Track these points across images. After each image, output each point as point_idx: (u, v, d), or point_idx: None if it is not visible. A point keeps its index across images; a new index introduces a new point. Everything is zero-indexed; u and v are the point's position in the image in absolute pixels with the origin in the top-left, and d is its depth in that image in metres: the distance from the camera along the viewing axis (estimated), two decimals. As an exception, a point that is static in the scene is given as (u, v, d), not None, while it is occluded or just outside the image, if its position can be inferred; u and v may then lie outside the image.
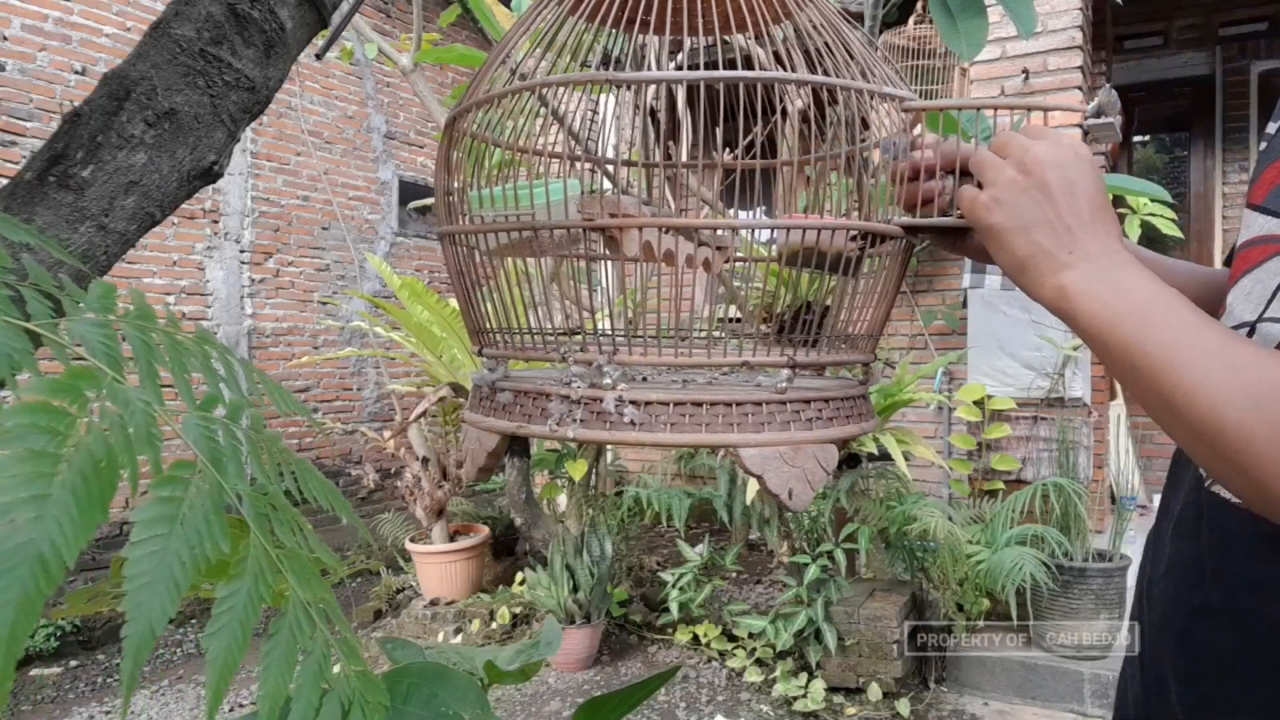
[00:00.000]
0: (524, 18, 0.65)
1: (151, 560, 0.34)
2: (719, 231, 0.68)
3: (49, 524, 0.31)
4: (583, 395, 0.56)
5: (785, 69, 0.59)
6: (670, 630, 3.78)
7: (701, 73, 0.54)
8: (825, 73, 0.59)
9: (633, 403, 0.55)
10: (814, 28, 0.61)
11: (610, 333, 0.67)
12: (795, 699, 3.18)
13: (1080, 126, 4.02)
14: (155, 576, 0.33)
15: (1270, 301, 0.55)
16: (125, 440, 0.35)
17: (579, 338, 0.67)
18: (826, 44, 0.60)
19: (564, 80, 0.58)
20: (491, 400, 0.62)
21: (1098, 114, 4.09)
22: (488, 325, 0.65)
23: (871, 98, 0.59)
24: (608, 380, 0.55)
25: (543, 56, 0.64)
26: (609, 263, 0.69)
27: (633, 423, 0.54)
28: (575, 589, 3.57)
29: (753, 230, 0.88)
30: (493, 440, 0.62)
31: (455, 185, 0.66)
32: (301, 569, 0.41)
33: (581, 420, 0.55)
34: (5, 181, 0.70)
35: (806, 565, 3.35)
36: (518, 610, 3.95)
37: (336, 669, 0.45)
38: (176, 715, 3.30)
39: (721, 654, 3.61)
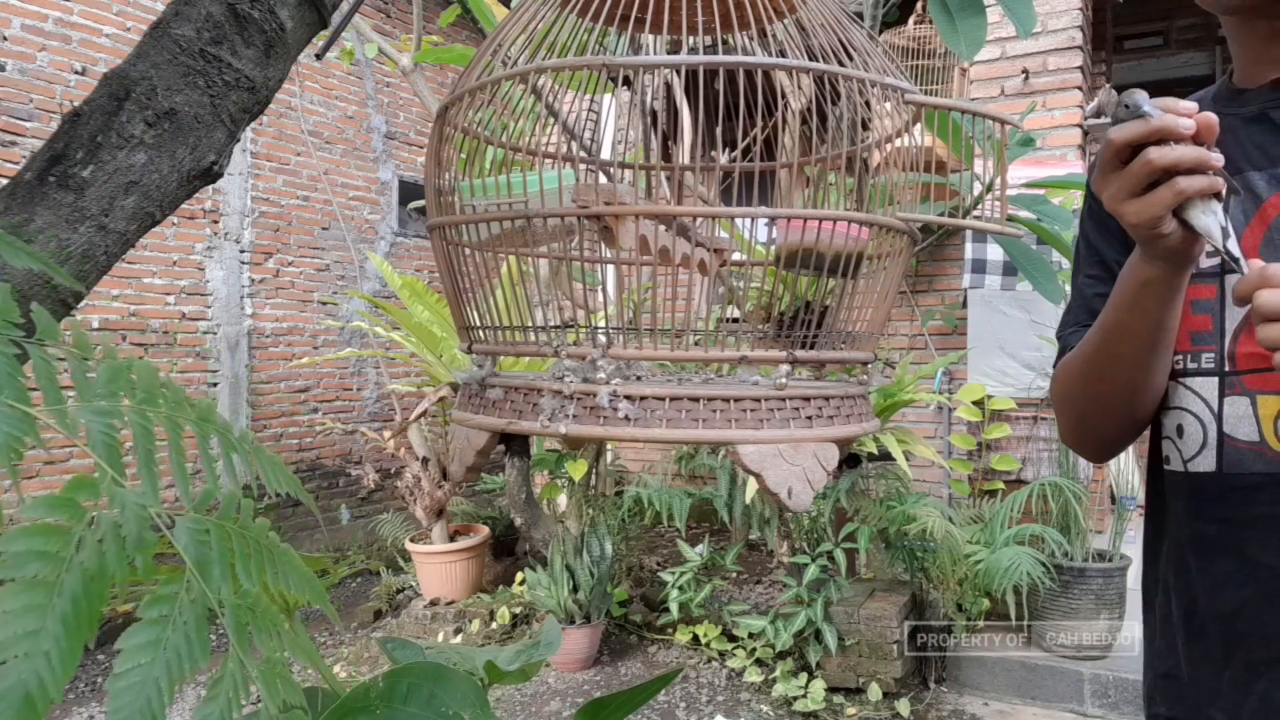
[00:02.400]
0: (516, 10, 0.64)
1: (131, 692, 0.34)
2: (717, 232, 0.68)
3: (38, 661, 0.31)
4: (575, 390, 0.54)
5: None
6: (670, 630, 3.78)
7: (699, 57, 0.54)
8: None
9: (627, 397, 0.53)
10: (815, 27, 0.61)
11: (605, 327, 0.66)
12: (795, 699, 3.18)
13: (1080, 126, 4.03)
14: (133, 709, 0.33)
15: None
16: (119, 549, 0.35)
17: (572, 332, 0.66)
18: (828, 42, 0.60)
19: (557, 65, 0.57)
20: (480, 397, 0.61)
21: (1097, 114, 4.09)
22: (478, 321, 0.64)
23: (872, 87, 0.59)
24: (601, 375, 0.54)
25: (534, 54, 0.64)
26: (608, 265, 0.68)
27: (627, 418, 0.53)
28: (575, 589, 3.56)
29: (751, 230, 0.88)
30: (481, 438, 0.60)
31: (447, 177, 0.65)
32: (274, 681, 0.41)
33: (574, 416, 0.54)
34: (5, 181, 0.70)
35: (806, 565, 3.35)
36: (518, 610, 3.94)
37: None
38: (176, 715, 3.30)
39: (721, 654, 3.60)
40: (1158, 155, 0.61)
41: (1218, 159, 0.61)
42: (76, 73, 4.19)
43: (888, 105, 0.63)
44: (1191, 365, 0.80)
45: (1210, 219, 0.62)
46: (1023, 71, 4.06)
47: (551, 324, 0.64)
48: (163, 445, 0.43)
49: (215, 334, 4.83)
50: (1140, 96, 0.62)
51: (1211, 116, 0.62)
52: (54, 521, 0.35)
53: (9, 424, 0.35)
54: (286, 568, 0.47)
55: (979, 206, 2.00)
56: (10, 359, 0.38)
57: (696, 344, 0.75)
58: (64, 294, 0.70)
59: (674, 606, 3.58)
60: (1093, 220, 0.91)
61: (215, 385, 4.81)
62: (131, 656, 0.35)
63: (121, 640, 0.35)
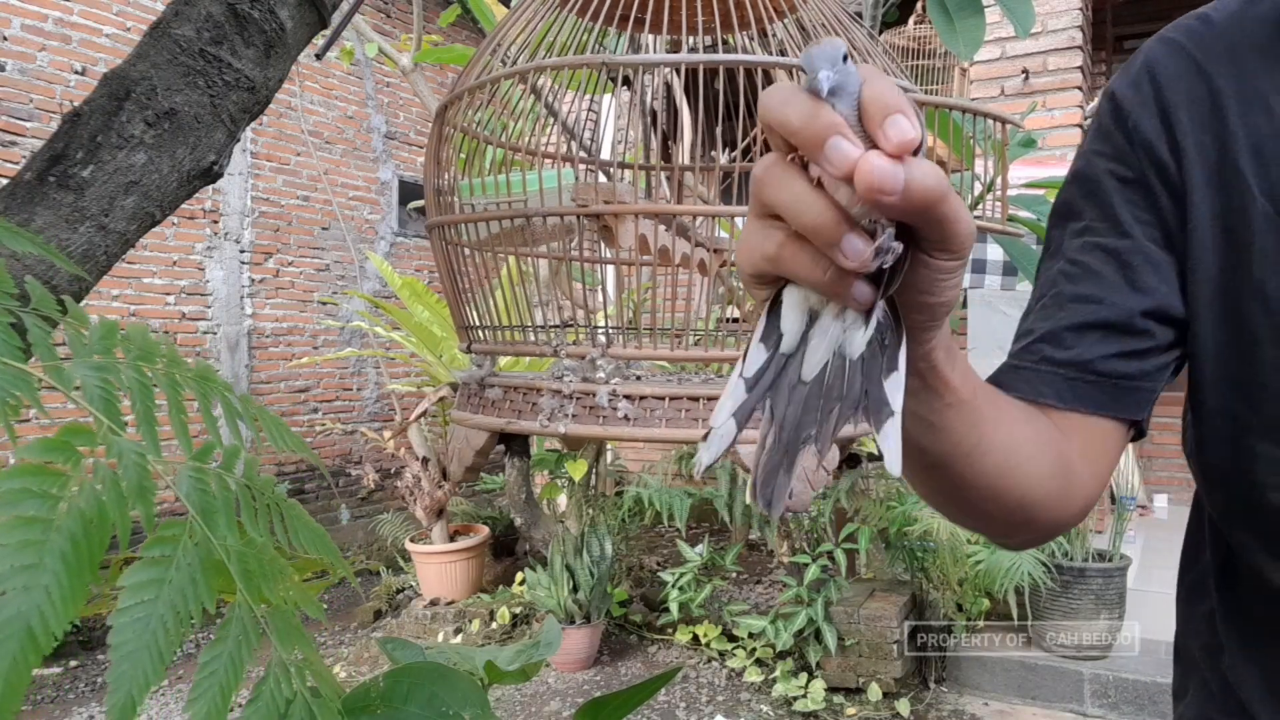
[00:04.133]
0: (516, 9, 0.64)
1: (136, 628, 0.34)
2: (717, 232, 0.68)
3: (38, 595, 0.31)
4: (575, 390, 0.54)
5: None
6: (670, 630, 3.78)
7: (698, 55, 0.54)
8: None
9: (627, 397, 0.53)
10: (815, 27, 0.61)
11: (604, 326, 0.66)
12: (795, 699, 3.18)
13: (1080, 126, 4.02)
14: (139, 644, 0.33)
15: None
16: (118, 495, 0.35)
17: (572, 332, 0.66)
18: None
19: (557, 64, 0.57)
20: (480, 397, 0.61)
21: (1097, 114, 4.08)
22: (477, 320, 0.64)
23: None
24: (601, 374, 0.54)
25: (534, 54, 0.63)
26: (608, 265, 0.68)
27: (627, 417, 0.53)
28: (575, 589, 3.56)
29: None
30: (481, 438, 0.60)
31: (446, 176, 0.65)
32: (286, 627, 0.40)
33: (573, 415, 0.54)
34: (5, 181, 0.70)
35: (806, 565, 3.35)
36: (518, 610, 3.94)
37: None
38: (176, 715, 3.30)
39: (721, 654, 3.60)
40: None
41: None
42: (76, 73, 4.19)
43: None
44: None
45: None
46: (1023, 71, 4.06)
47: (551, 324, 0.64)
48: (162, 409, 0.42)
49: (215, 334, 4.83)
50: (823, 59, 0.30)
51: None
52: (48, 464, 0.34)
53: (6, 381, 0.35)
54: (295, 522, 0.46)
55: (979, 206, 2.00)
56: (5, 327, 0.38)
57: (696, 344, 0.75)
58: (63, 293, 0.70)
59: (674, 606, 3.58)
60: (1113, 161, 0.59)
61: (215, 385, 4.81)
62: (134, 593, 0.34)
63: (123, 578, 0.34)
